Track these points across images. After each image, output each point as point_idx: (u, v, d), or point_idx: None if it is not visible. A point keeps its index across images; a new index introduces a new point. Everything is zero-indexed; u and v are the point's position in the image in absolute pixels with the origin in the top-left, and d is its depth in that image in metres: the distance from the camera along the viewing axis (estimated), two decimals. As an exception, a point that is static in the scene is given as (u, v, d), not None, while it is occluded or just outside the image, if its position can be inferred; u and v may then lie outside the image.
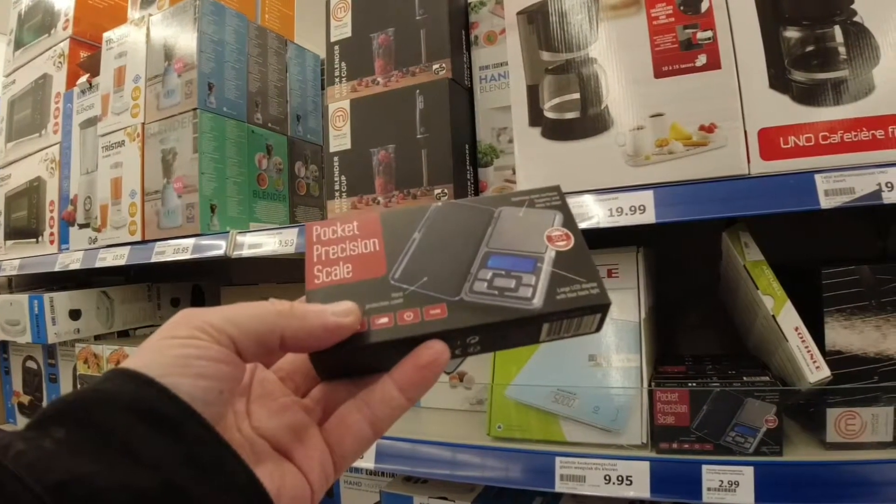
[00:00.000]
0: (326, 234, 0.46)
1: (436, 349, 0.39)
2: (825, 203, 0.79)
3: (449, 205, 0.48)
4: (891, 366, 0.84)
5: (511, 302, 0.41)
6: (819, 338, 0.85)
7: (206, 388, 0.33)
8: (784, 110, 0.85)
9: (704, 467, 0.84)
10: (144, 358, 0.33)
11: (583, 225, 0.88)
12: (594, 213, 0.88)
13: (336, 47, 1.20)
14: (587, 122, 0.93)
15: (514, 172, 1.03)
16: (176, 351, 0.33)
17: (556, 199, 0.48)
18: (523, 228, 0.46)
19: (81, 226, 1.66)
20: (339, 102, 1.17)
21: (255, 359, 0.37)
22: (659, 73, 0.90)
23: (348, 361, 0.41)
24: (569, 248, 0.44)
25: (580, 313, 0.42)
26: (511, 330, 0.42)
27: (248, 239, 1.18)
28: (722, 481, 0.83)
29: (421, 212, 0.47)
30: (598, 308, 0.42)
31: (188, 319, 0.35)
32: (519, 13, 0.99)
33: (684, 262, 1.32)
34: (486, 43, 1.16)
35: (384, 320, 0.40)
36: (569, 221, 0.46)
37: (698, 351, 1.26)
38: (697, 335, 1.35)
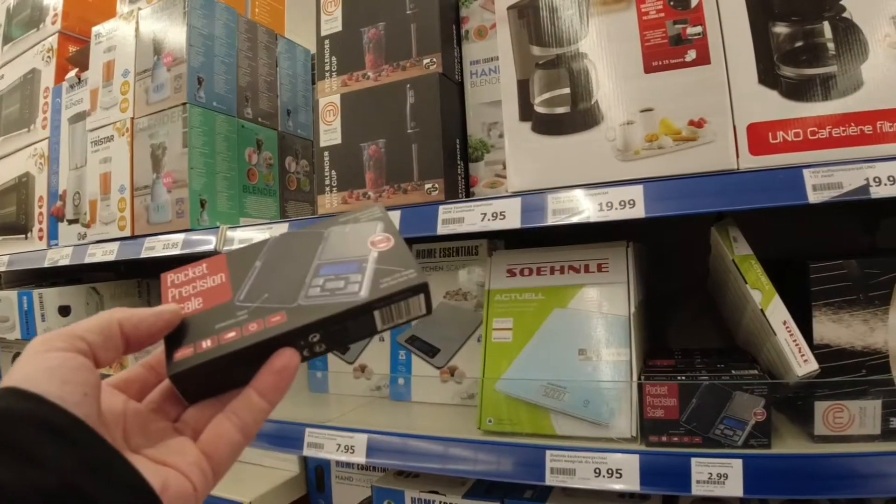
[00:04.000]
0: (179, 278, 0.52)
1: (286, 355, 0.45)
2: (813, 198, 0.79)
3: (284, 235, 0.55)
4: (878, 359, 0.85)
5: (341, 298, 0.47)
6: (807, 331, 0.85)
7: (72, 392, 0.37)
8: (773, 105, 0.85)
9: (693, 460, 0.84)
10: (20, 373, 0.37)
11: (573, 219, 0.88)
12: (584, 207, 0.88)
13: (326, 41, 1.20)
14: (577, 116, 0.94)
15: (504, 167, 1.04)
16: (41, 364, 0.37)
17: (377, 214, 0.55)
18: (350, 240, 0.53)
19: (70, 221, 1.65)
20: (330, 97, 1.17)
21: (108, 354, 0.41)
22: (649, 68, 0.90)
23: (206, 378, 0.45)
24: (389, 248, 0.51)
25: (403, 296, 0.47)
26: (346, 322, 0.47)
27: (238, 234, 1.17)
28: (711, 474, 0.83)
29: (261, 245, 0.54)
30: (418, 289, 0.47)
31: (44, 337, 0.39)
32: (509, 8, 0.99)
33: (676, 257, 1.33)
34: (476, 37, 1.16)
35: (232, 334, 0.45)
36: (389, 227, 0.53)
37: (689, 345, 1.26)
38: (688, 329, 1.35)
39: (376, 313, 0.47)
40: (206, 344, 0.45)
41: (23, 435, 0.33)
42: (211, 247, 1.19)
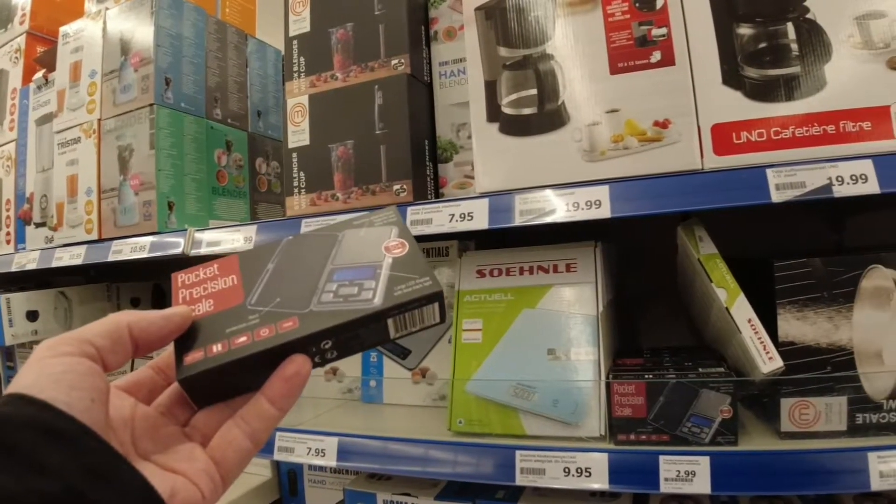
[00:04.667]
0: (190, 279, 0.51)
1: (297, 361, 0.44)
2: (776, 197, 0.80)
3: (298, 237, 0.54)
4: (843, 356, 0.86)
5: (354, 304, 0.46)
6: (772, 329, 0.86)
7: (80, 398, 0.36)
8: (737, 106, 0.86)
9: (661, 458, 0.85)
10: (26, 379, 0.36)
11: (540, 220, 0.88)
12: (551, 208, 0.89)
13: (294, 42, 1.19)
14: (544, 117, 0.94)
15: (473, 168, 1.03)
16: (48, 370, 0.36)
17: (392, 217, 0.54)
18: (364, 244, 0.52)
19: (38, 225, 1.62)
20: (298, 98, 1.16)
21: (116, 358, 0.41)
22: (614, 70, 0.91)
23: (216, 383, 0.45)
24: (404, 254, 0.50)
25: (418, 304, 0.47)
26: (359, 329, 0.46)
27: (206, 236, 1.16)
28: (679, 471, 0.84)
29: (274, 245, 0.53)
30: (433, 297, 0.47)
31: (51, 342, 0.39)
32: (477, 9, 0.99)
33: (646, 257, 1.34)
34: (445, 38, 1.16)
35: (243, 339, 0.44)
36: (404, 232, 0.52)
37: (659, 344, 1.27)
38: (658, 328, 1.36)
39: (390, 321, 0.47)
40: (217, 348, 0.44)
41: (27, 440, 0.33)
42: (179, 250, 1.18)
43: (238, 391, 0.46)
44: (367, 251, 0.51)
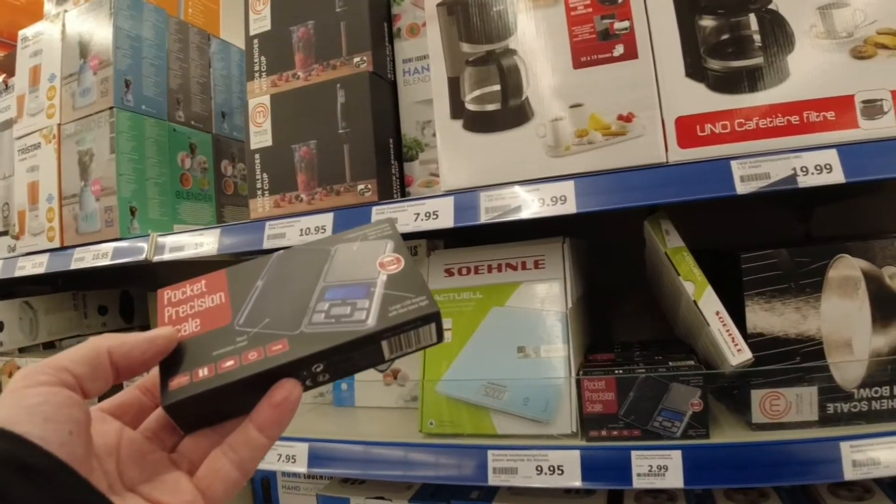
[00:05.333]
0: (177, 295, 0.49)
1: (287, 387, 0.42)
2: (741, 189, 0.80)
3: (289, 251, 0.52)
4: (812, 346, 0.86)
5: (347, 326, 0.44)
6: (741, 321, 0.86)
7: (56, 431, 0.34)
8: (700, 98, 0.86)
9: (633, 453, 0.85)
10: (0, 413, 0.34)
11: (506, 217, 0.87)
12: (517, 204, 0.88)
13: (255, 41, 1.17)
14: (508, 113, 0.93)
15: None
16: (22, 401, 0.35)
17: (387, 231, 0.52)
18: (357, 260, 0.50)
19: (0, 234, 1.58)
20: (259, 98, 1.14)
21: (96, 385, 0.39)
22: (577, 64, 0.90)
23: (203, 408, 0.43)
24: (399, 270, 0.48)
25: (413, 325, 0.44)
26: (352, 352, 0.44)
27: (169, 241, 1.14)
28: (651, 466, 0.84)
29: (264, 261, 0.51)
30: (429, 318, 0.45)
31: (28, 370, 0.37)
32: (439, 4, 0.98)
33: (616, 251, 1.34)
34: (408, 35, 1.14)
35: (230, 363, 0.43)
36: (399, 247, 0.50)
37: (631, 338, 1.27)
38: (629, 322, 1.37)
39: (384, 343, 0.45)
40: (203, 372, 0.42)
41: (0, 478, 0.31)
42: (142, 256, 1.16)
43: (226, 416, 0.44)
44: (361, 267, 0.49)
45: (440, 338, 0.47)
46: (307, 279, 0.49)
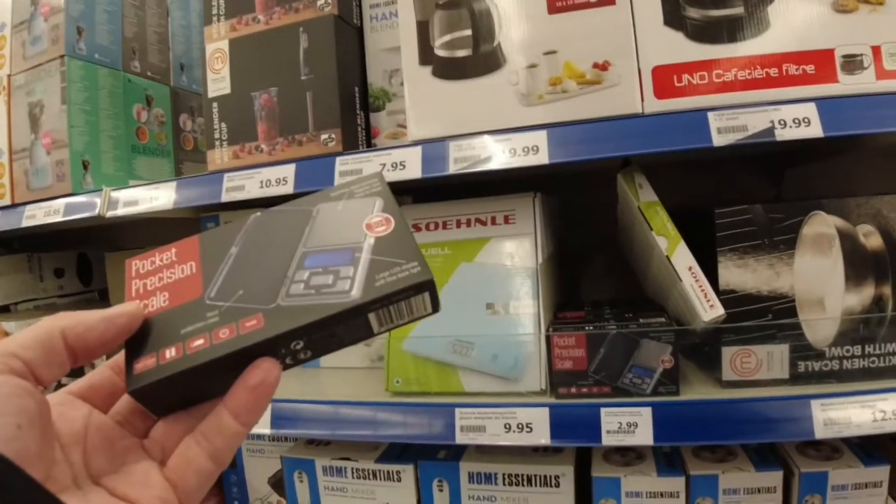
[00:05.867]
0: (145, 266, 0.45)
1: (263, 367, 0.38)
2: (718, 140, 0.78)
3: (266, 213, 0.47)
4: (785, 303, 0.86)
5: (329, 298, 0.39)
6: (713, 277, 0.85)
7: (2, 425, 0.31)
8: (678, 48, 0.83)
9: (603, 410, 0.84)
10: None
11: (476, 168, 0.84)
12: (487, 154, 0.85)
13: (213, -18, 1.10)
14: (479, 60, 0.89)
15: (407, 116, 0.99)
16: None
17: (376, 186, 0.47)
18: (342, 221, 0.45)
19: (-50, 192, 1.51)
20: (217, 43, 1.08)
21: (50, 371, 0.35)
22: (552, 9, 0.87)
23: (172, 392, 0.39)
24: (389, 232, 0.43)
25: (404, 295, 0.40)
26: (335, 326, 0.40)
27: (123, 195, 1.08)
28: (621, 423, 0.83)
29: (239, 225, 0.46)
30: (422, 286, 0.40)
31: None
32: (407, -56, 0.93)
33: (588, 209, 1.32)
34: (375, -22, 1.09)
35: (200, 342, 0.39)
36: (390, 205, 0.45)
37: (602, 297, 1.26)
38: (601, 281, 1.36)
39: (372, 315, 0.40)
40: (171, 353, 0.38)
41: None
42: (95, 211, 1.10)
43: (202, 398, 0.40)
44: (346, 230, 0.44)
45: (435, 308, 0.42)
46: (286, 245, 0.44)
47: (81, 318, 0.37)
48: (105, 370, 0.42)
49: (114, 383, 0.41)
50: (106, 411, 0.41)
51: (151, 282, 0.44)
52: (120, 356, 0.41)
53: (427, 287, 0.40)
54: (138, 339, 0.40)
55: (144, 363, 0.38)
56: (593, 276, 1.36)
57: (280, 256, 0.43)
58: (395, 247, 0.42)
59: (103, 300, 1.76)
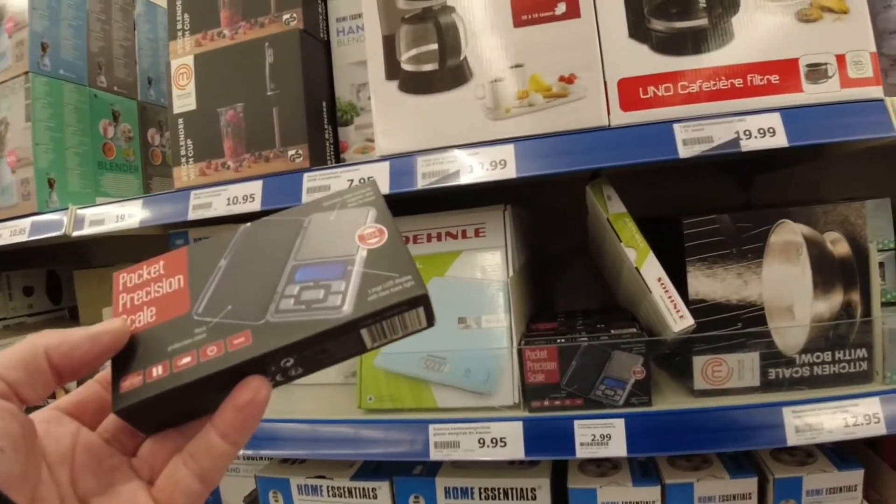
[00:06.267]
0: (132, 279, 0.44)
1: (252, 386, 0.37)
2: (684, 152, 0.78)
3: (257, 223, 0.46)
4: (754, 312, 0.86)
5: (319, 314, 0.38)
6: (683, 288, 0.85)
7: None
8: (643, 60, 0.84)
9: (576, 423, 0.83)
10: None
11: (444, 183, 0.84)
12: (455, 169, 0.84)
13: (178, -3, 1.09)
14: (446, 74, 0.89)
15: (375, 131, 0.98)
16: None
17: (369, 195, 0.45)
18: (334, 233, 0.44)
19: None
20: (182, 58, 1.06)
21: (35, 391, 0.35)
22: (518, 22, 0.87)
23: (160, 411, 0.38)
24: (382, 244, 0.42)
25: (397, 310, 0.39)
26: (327, 343, 0.38)
27: (88, 214, 1.06)
28: (594, 435, 0.83)
29: (228, 236, 0.45)
30: (416, 301, 0.39)
31: None
32: (372, -42, 0.93)
33: (559, 219, 1.32)
34: (342, -9, 1.09)
35: (187, 360, 0.38)
36: (383, 215, 0.44)
37: (575, 307, 1.26)
38: (573, 291, 1.36)
39: (364, 331, 0.39)
40: (157, 371, 0.38)
41: None
42: (61, 231, 1.08)
43: (191, 416, 0.39)
44: (337, 241, 0.43)
45: (430, 322, 0.41)
46: (276, 257, 0.43)
47: (65, 337, 0.36)
48: (94, 385, 0.41)
49: (102, 399, 0.41)
50: (94, 428, 0.40)
51: (139, 296, 0.43)
52: (108, 371, 0.41)
53: (421, 301, 0.39)
54: (125, 356, 0.39)
55: (131, 381, 0.38)
56: (566, 285, 1.36)
57: (270, 270, 0.42)
58: (389, 259, 0.41)
59: (73, 318, 1.73)
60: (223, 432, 0.37)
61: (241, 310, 0.40)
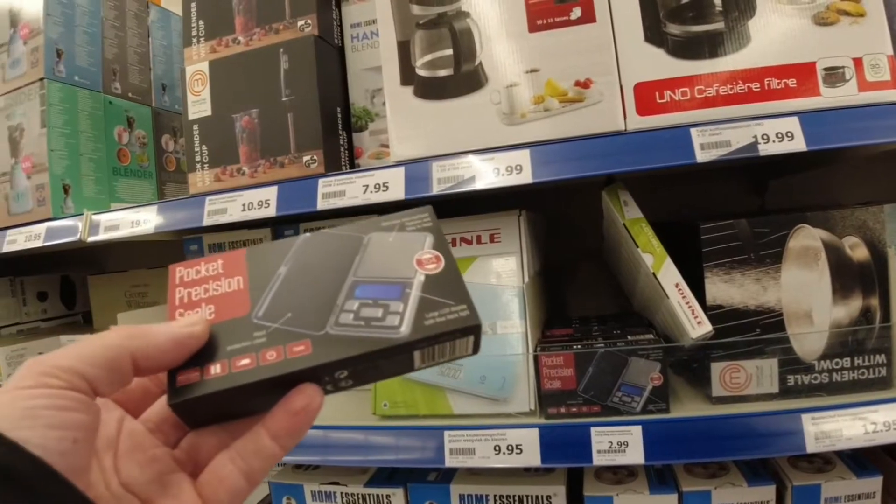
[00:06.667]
0: (190, 274, 0.45)
1: (307, 393, 0.38)
2: (701, 157, 0.78)
3: (318, 235, 0.47)
4: (772, 317, 0.85)
5: (377, 332, 0.40)
6: (700, 293, 0.84)
7: (59, 438, 0.31)
8: (660, 64, 0.83)
9: (593, 430, 0.83)
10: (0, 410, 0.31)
11: (459, 188, 0.84)
12: (471, 174, 0.84)
13: (193, 4, 1.09)
14: (461, 79, 0.89)
15: (390, 136, 0.98)
16: (24, 403, 0.31)
17: (426, 221, 0.47)
18: (392, 254, 0.45)
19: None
20: (197, 64, 1.07)
21: (112, 388, 0.36)
22: (533, 27, 0.86)
23: (213, 407, 0.39)
24: (439, 271, 0.43)
25: (450, 337, 0.40)
26: (380, 361, 0.40)
27: (104, 219, 1.07)
28: (611, 443, 0.82)
29: (289, 244, 0.46)
30: (469, 330, 0.40)
31: (35, 367, 0.33)
32: (387, -36, 0.93)
33: (574, 224, 1.32)
34: (356, -2, 1.09)
35: (245, 361, 0.39)
36: (440, 243, 0.45)
37: (590, 312, 1.25)
38: (588, 296, 1.35)
39: (417, 353, 0.41)
40: (216, 369, 0.38)
41: None
42: (76, 236, 1.09)
43: (238, 415, 0.40)
44: (396, 263, 0.44)
45: (476, 350, 0.43)
46: (336, 271, 0.44)
47: (151, 340, 0.37)
48: None
49: (146, 388, 0.41)
50: (136, 416, 0.41)
51: (196, 292, 0.43)
52: None
53: (473, 331, 0.41)
54: None
55: (187, 376, 0.38)
56: (581, 291, 1.36)
57: (330, 282, 0.43)
58: (445, 287, 0.42)
59: (87, 323, 1.74)
60: (275, 435, 0.38)
61: (300, 318, 0.41)
